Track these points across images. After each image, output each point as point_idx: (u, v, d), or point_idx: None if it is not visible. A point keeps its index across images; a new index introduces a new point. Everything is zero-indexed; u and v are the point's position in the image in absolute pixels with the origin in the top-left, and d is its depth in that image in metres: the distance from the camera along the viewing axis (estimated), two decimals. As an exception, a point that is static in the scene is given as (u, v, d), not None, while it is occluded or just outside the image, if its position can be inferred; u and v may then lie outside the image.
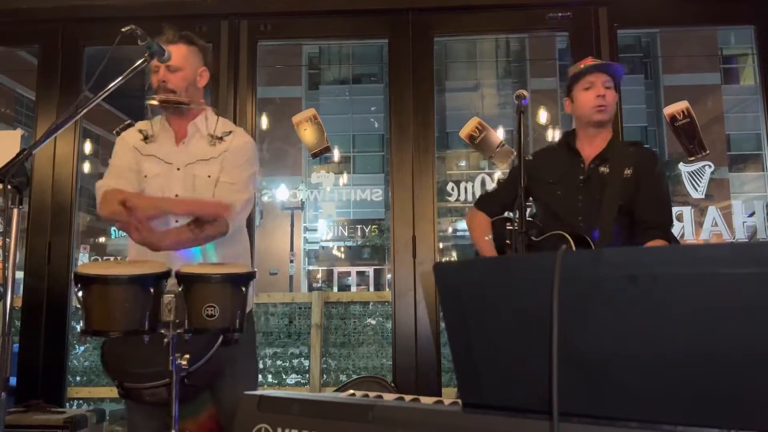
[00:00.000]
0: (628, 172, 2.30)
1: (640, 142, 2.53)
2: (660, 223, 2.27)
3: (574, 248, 2.15)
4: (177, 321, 1.71)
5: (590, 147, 2.39)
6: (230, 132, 2.27)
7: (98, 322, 1.69)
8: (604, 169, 2.33)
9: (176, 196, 2.15)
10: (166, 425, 2.01)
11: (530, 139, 5.63)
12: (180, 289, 1.73)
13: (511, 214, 2.55)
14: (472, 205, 2.65)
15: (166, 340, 1.70)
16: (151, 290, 1.70)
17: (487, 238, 2.48)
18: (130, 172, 2.21)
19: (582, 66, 2.38)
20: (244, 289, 1.77)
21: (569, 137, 2.46)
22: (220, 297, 1.73)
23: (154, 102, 2.17)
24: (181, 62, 2.18)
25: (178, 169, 2.20)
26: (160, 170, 2.20)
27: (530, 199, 2.53)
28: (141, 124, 2.31)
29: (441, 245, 4.33)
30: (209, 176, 2.17)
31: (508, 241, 2.42)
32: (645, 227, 2.26)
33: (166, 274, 1.76)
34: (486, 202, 2.60)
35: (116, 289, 1.68)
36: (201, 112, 2.28)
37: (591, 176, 2.34)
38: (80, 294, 1.69)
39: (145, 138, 2.26)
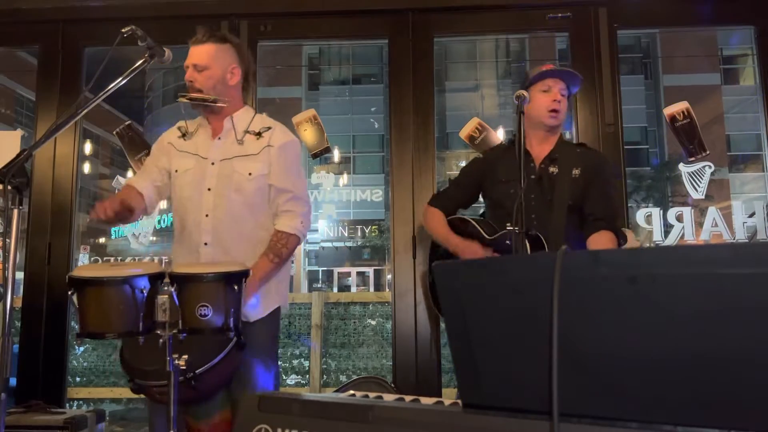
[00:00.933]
0: (576, 172, 2.42)
1: (585, 144, 2.68)
2: (607, 216, 2.39)
3: (528, 246, 2.22)
4: (171, 321, 1.71)
5: (539, 147, 2.50)
6: (269, 128, 2.29)
7: (93, 324, 1.69)
8: (553, 170, 2.45)
9: (209, 190, 2.20)
10: (184, 423, 2.02)
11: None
12: (173, 289, 1.73)
13: (462, 212, 2.70)
14: (427, 203, 2.75)
15: (161, 340, 1.70)
16: (146, 291, 1.70)
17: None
18: (154, 168, 2.34)
19: (544, 69, 2.48)
20: (237, 287, 1.77)
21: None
22: (213, 296, 1.73)
23: (184, 100, 2.23)
24: (207, 61, 2.21)
25: (213, 163, 2.24)
26: (192, 165, 2.26)
27: (481, 199, 2.66)
28: (180, 122, 2.38)
29: (441, 245, 4.30)
30: (250, 174, 2.21)
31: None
32: (592, 219, 2.38)
33: (161, 275, 1.76)
34: (440, 200, 2.71)
35: (111, 291, 1.68)
36: (238, 108, 2.30)
37: (542, 176, 2.45)
38: (75, 297, 1.69)
39: (183, 135, 2.32)
